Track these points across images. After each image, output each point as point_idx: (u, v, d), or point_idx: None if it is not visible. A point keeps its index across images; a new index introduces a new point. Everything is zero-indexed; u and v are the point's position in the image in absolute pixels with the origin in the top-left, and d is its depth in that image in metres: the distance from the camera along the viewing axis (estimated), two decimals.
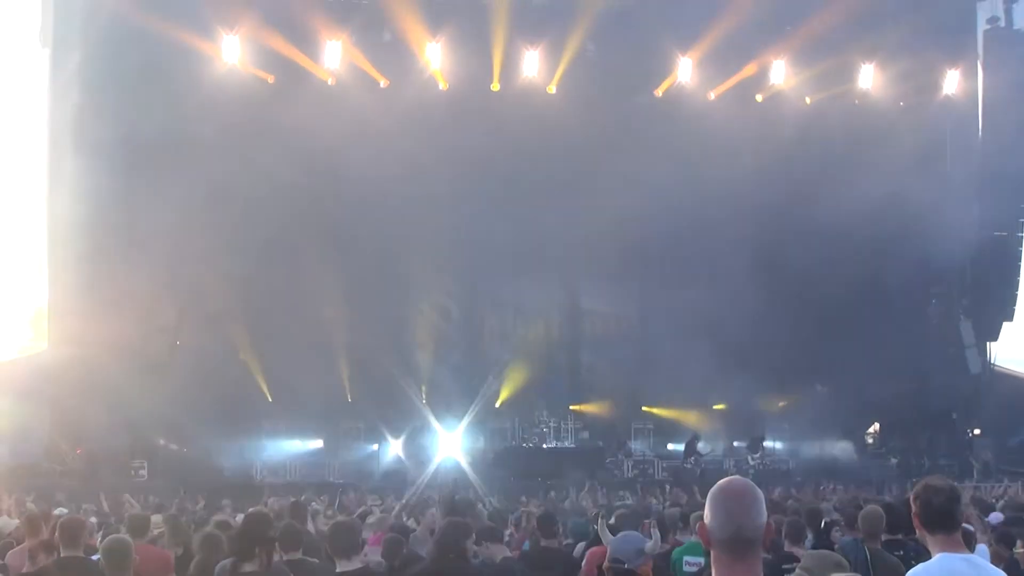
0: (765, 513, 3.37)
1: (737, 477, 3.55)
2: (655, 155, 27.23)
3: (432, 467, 27.18)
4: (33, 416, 26.29)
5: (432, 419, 29.29)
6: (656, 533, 9.02)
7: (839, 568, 5.17)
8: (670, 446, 31.08)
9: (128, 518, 9.57)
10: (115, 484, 21.42)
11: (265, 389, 28.81)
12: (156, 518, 10.11)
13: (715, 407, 30.95)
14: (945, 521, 4.55)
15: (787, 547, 8.21)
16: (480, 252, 29.69)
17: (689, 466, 29.07)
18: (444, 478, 25.83)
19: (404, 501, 16.70)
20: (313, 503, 14.78)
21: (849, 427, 31.49)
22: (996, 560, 7.82)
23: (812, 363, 30.32)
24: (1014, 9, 30.46)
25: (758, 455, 29.90)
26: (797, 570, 5.49)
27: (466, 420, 28.94)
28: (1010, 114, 29.48)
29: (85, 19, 26.74)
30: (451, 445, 28.79)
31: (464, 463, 27.84)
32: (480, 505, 14.79)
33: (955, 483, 4.77)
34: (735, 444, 30.79)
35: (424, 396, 29.93)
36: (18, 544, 9.52)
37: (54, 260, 27.40)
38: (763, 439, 30.33)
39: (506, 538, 10.44)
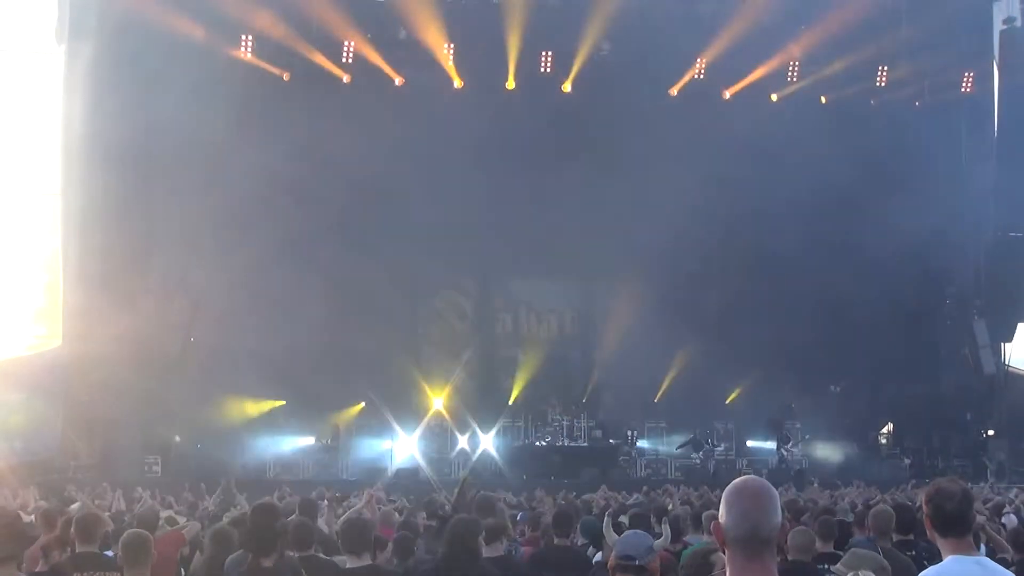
0: (780, 513, 3.38)
1: (752, 476, 3.55)
2: (669, 154, 27.18)
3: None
4: (47, 412, 26.34)
5: (445, 417, 29.32)
6: (667, 529, 9.01)
7: (883, 571, 5.13)
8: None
9: (137, 514, 9.56)
10: (129, 479, 21.45)
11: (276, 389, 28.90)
12: (166, 513, 10.10)
13: (727, 400, 30.85)
14: (957, 524, 4.54)
15: (820, 547, 8.05)
16: (494, 250, 29.74)
17: (699, 462, 29.08)
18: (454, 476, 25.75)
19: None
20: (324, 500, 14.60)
21: (862, 428, 31.41)
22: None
23: (826, 364, 30.27)
24: None
25: (791, 444, 29.80)
26: (838, 566, 5.47)
27: (479, 419, 28.93)
28: None
29: (100, 15, 26.80)
30: (465, 443, 28.81)
31: (476, 460, 27.87)
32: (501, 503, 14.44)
33: (967, 485, 4.76)
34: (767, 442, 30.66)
35: (437, 394, 29.97)
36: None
37: (68, 256, 27.44)
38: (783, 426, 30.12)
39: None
